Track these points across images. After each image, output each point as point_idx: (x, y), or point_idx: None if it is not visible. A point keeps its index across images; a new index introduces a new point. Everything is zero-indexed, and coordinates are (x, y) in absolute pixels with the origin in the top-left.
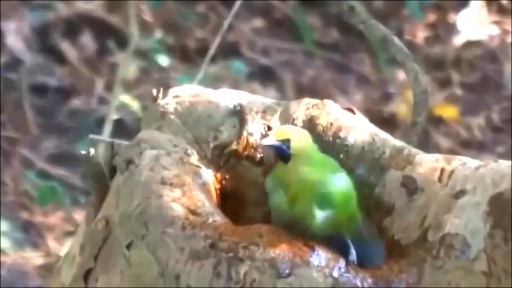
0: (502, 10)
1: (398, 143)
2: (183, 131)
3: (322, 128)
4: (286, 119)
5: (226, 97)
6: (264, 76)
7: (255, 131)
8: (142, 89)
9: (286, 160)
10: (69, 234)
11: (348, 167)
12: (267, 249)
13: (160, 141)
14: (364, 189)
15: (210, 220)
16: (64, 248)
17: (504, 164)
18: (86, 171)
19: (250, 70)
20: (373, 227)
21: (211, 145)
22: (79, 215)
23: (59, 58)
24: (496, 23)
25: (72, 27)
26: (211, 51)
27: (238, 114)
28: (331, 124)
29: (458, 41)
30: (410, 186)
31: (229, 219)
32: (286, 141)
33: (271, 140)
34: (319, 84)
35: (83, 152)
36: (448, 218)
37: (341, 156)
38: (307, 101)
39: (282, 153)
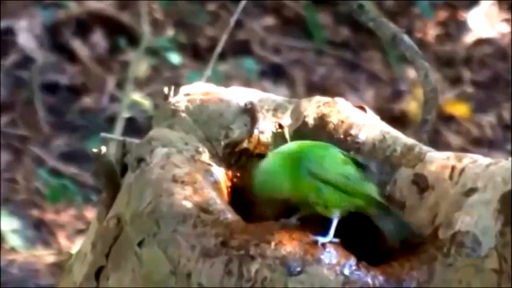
0: None
1: (409, 140)
2: (194, 129)
3: (333, 126)
4: (297, 116)
5: (237, 95)
6: (275, 74)
7: (266, 129)
8: (153, 87)
9: None
10: (81, 232)
11: None
12: (278, 246)
13: (172, 139)
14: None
15: (221, 218)
16: (75, 246)
17: None
18: (97, 169)
19: (261, 68)
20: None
21: (223, 143)
22: (90, 213)
23: (71, 56)
24: (507, 20)
25: (84, 25)
26: (219, 49)
27: (249, 112)
28: (342, 122)
29: (469, 38)
30: (421, 184)
31: (241, 217)
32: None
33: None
34: (330, 82)
35: (94, 150)
36: (458, 216)
37: (352, 153)
38: (318, 99)
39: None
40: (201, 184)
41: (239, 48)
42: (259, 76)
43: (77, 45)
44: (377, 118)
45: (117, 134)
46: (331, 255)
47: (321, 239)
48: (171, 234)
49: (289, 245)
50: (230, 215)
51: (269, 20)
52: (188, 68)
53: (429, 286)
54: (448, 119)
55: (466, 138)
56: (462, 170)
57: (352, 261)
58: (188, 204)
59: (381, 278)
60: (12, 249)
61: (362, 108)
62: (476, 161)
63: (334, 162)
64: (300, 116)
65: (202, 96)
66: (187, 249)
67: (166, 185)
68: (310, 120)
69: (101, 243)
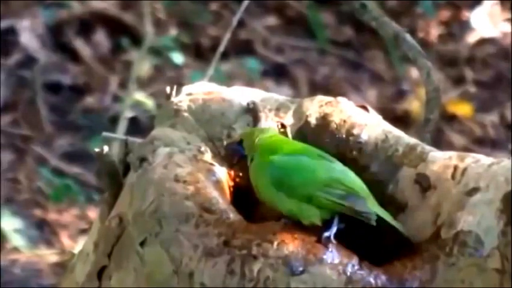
0: None
1: (411, 140)
2: (197, 129)
3: (335, 126)
4: (300, 116)
5: (240, 95)
6: (278, 74)
7: None
8: (156, 87)
9: (244, 158)
10: (83, 231)
11: (362, 164)
12: (281, 246)
13: (174, 138)
14: (378, 187)
15: (224, 217)
16: (78, 245)
17: None
18: (99, 168)
19: (264, 68)
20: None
21: (225, 143)
22: (93, 213)
23: (73, 56)
24: (509, 20)
25: (86, 25)
26: (221, 48)
27: (252, 112)
28: (345, 121)
29: (471, 38)
30: (424, 184)
31: (243, 216)
32: (240, 142)
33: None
34: (333, 81)
35: (97, 150)
36: (461, 216)
37: (354, 153)
38: (321, 98)
39: (236, 153)
40: (203, 184)
41: (242, 48)
42: (261, 76)
43: (80, 45)
44: (379, 118)
45: (119, 134)
46: (333, 254)
47: (326, 234)
48: (173, 233)
49: (291, 245)
50: (232, 215)
51: (271, 20)
52: (191, 67)
53: (431, 286)
54: (450, 119)
55: (468, 138)
56: (464, 170)
57: (355, 260)
58: (190, 204)
59: (383, 277)
60: (15, 249)
61: (364, 107)
62: (478, 161)
63: (300, 170)
64: (303, 116)
65: (204, 96)
66: (189, 249)
67: (169, 184)
68: (313, 120)
69: (103, 242)
